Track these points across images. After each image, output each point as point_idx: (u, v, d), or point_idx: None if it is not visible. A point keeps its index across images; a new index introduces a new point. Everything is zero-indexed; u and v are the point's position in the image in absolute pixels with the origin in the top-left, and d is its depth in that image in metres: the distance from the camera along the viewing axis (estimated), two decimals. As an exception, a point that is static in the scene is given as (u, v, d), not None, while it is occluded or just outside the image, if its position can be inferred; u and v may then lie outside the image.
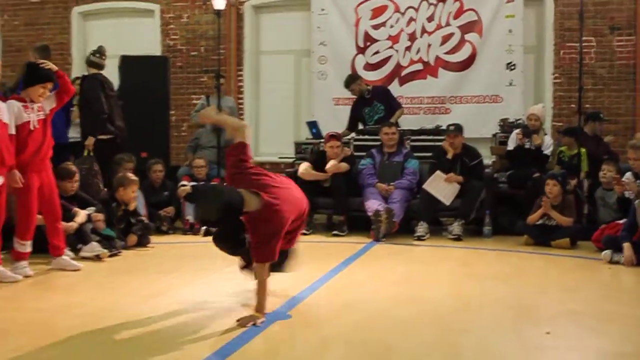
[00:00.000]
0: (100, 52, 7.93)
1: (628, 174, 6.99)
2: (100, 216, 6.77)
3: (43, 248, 5.84)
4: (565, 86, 10.01)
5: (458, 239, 7.50)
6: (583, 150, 8.22)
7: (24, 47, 10.80)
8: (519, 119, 9.17)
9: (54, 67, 5.72)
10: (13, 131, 5.38)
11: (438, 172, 7.83)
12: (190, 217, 8.06)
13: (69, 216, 6.39)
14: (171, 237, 7.81)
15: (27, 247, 5.56)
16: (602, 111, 9.30)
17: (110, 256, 6.36)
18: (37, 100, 5.55)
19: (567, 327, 4.09)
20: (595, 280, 5.68)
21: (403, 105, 9.56)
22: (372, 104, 9.12)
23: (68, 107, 9.03)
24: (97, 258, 6.20)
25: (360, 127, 9.25)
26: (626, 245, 6.11)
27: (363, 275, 5.66)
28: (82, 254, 6.31)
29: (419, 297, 4.83)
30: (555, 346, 3.67)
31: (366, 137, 8.85)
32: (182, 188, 8.13)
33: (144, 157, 8.43)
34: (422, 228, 7.60)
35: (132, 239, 6.94)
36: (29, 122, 5.47)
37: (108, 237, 6.66)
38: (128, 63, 9.34)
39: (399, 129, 8.47)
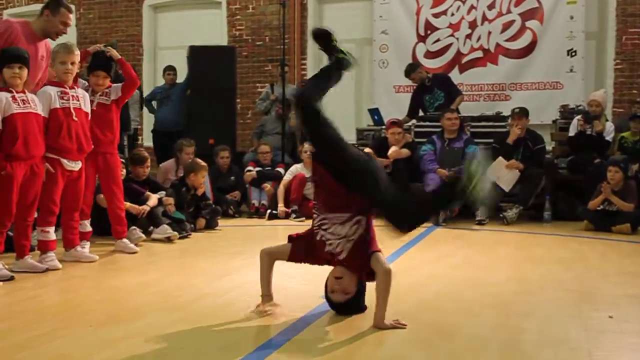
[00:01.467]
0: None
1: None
2: (171, 200, 7.05)
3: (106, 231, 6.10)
4: (627, 72, 9.95)
5: (481, 223, 7.63)
6: (644, 137, 8.23)
7: (98, 40, 11.22)
8: (579, 105, 9.18)
9: (115, 55, 5.87)
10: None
11: (500, 158, 7.92)
12: (255, 201, 8.32)
13: (141, 200, 6.68)
14: (237, 220, 8.08)
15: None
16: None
17: (180, 238, 6.62)
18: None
19: (629, 311, 4.11)
20: (657, 265, 5.74)
21: (463, 93, 9.65)
22: (432, 91, 9.23)
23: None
24: (168, 240, 6.45)
25: (421, 114, 9.37)
26: None
27: (424, 259, 5.79)
28: (154, 235, 6.59)
29: (480, 280, 4.93)
30: (618, 330, 3.70)
31: (427, 123, 8.98)
32: (248, 173, 8.41)
33: (212, 144, 8.71)
34: (482, 213, 7.71)
35: (201, 222, 7.23)
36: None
37: (178, 220, 6.92)
38: (196, 53, 9.64)
39: (459, 115, 8.57)
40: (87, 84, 5.87)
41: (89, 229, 5.88)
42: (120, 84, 5.95)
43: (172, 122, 9.78)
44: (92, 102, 5.69)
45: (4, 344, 3.42)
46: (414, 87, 9.60)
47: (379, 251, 3.83)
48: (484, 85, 10.49)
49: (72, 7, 5.76)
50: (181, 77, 10.11)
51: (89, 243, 5.84)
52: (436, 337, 3.57)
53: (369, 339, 3.55)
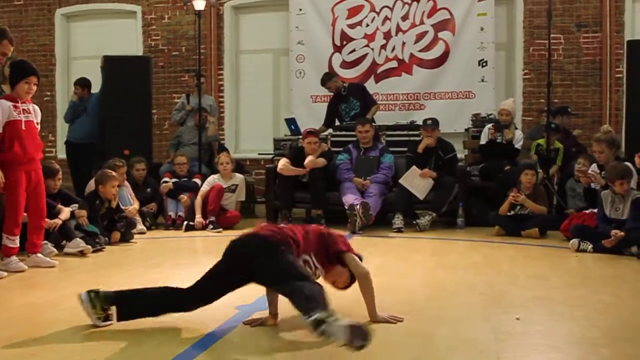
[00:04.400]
0: None
1: (593, 166, 7.27)
2: (84, 213, 6.86)
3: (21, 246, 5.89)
4: (534, 82, 10.31)
5: (399, 230, 7.77)
6: (561, 146, 8.53)
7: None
8: (490, 114, 9.45)
9: None
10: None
11: (413, 167, 8.07)
12: (172, 213, 8.24)
13: (53, 213, 6.51)
14: (154, 232, 7.97)
15: (15, 242, 5.66)
16: (570, 105, 9.60)
17: (94, 252, 6.46)
18: (24, 97, 5.64)
19: (537, 313, 4.23)
20: (563, 268, 5.92)
21: (378, 102, 9.81)
22: (348, 100, 9.35)
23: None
24: (81, 254, 6.29)
25: (337, 123, 9.47)
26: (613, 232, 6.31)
27: (340, 266, 5.84)
28: (66, 250, 6.41)
29: (395, 286, 5.00)
30: (525, 331, 3.80)
31: (343, 132, 9.07)
32: (164, 184, 8.32)
33: (127, 155, 8.57)
34: (399, 220, 7.84)
35: (116, 235, 7.10)
36: (19, 121, 5.58)
37: (92, 233, 6.75)
38: (111, 63, 9.48)
39: (374, 124, 8.70)
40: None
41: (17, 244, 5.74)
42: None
43: (86, 134, 9.57)
44: (20, 118, 5.62)
45: None
46: (330, 97, 9.68)
47: (349, 251, 4.01)
48: (399, 95, 10.68)
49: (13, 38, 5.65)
50: (95, 88, 9.90)
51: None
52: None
53: (281, 349, 3.56)
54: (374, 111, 9.31)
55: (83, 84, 9.70)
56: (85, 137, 9.54)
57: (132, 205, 7.79)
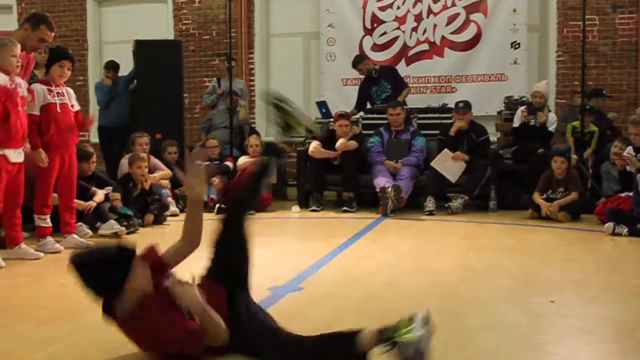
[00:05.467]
0: None
1: (629, 149, 7.17)
2: (117, 195, 6.98)
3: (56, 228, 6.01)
4: (568, 64, 10.15)
5: (431, 213, 7.73)
6: (596, 128, 8.42)
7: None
8: (523, 97, 9.35)
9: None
10: (37, 112, 5.59)
11: (445, 150, 8.03)
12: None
13: (87, 195, 6.61)
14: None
15: (47, 222, 5.78)
16: (604, 88, 9.45)
17: (128, 233, 6.55)
18: (57, 81, 5.76)
19: (570, 296, 4.21)
20: (597, 252, 5.89)
21: (410, 85, 9.75)
22: (379, 83, 9.30)
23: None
24: (115, 235, 6.38)
25: (369, 106, 9.43)
26: None
27: (372, 249, 5.86)
28: (101, 231, 6.52)
29: (427, 268, 5.01)
30: (558, 314, 3.79)
31: (374, 115, 9.04)
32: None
33: (159, 139, 8.64)
34: (430, 203, 7.81)
35: (149, 217, 7.18)
36: (53, 104, 5.67)
37: (126, 215, 6.85)
38: (142, 47, 9.53)
39: (405, 107, 8.65)
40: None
41: (50, 223, 5.84)
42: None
43: (118, 118, 9.67)
44: (54, 100, 5.73)
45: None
46: (361, 80, 9.65)
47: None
48: (430, 78, 10.60)
49: (53, 23, 5.74)
50: (126, 72, 9.98)
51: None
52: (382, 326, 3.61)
53: (315, 329, 3.57)
54: (405, 94, 9.27)
55: (113, 66, 9.78)
56: (117, 121, 9.64)
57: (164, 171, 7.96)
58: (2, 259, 5.18)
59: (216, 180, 8.34)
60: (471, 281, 4.64)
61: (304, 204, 8.43)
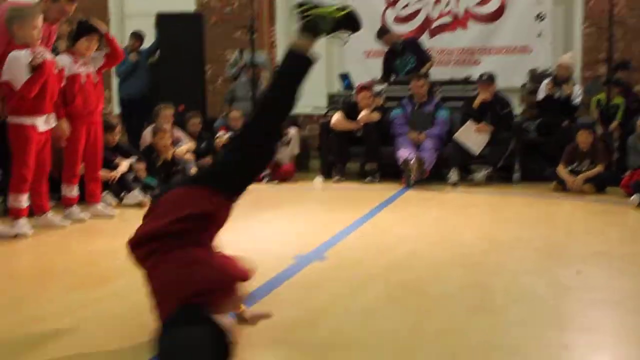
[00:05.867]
0: None
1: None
2: (142, 165, 7.05)
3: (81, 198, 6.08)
4: (594, 37, 9.99)
5: (454, 185, 7.70)
6: (622, 101, 8.32)
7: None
8: (548, 69, 9.25)
9: (103, 29, 5.93)
10: (62, 82, 5.62)
11: (469, 122, 7.97)
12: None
13: (111, 166, 6.68)
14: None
15: (74, 192, 5.86)
16: (631, 61, 9.32)
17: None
18: (85, 53, 5.78)
19: (596, 268, 4.20)
20: (623, 224, 5.85)
21: (433, 57, 9.67)
22: (403, 55, 9.24)
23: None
24: (139, 205, 6.43)
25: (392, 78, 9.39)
26: None
27: (395, 220, 5.86)
28: (125, 201, 6.61)
29: (450, 239, 5.01)
30: (584, 286, 3.79)
31: (397, 87, 8.99)
32: (219, 139, 8.40)
33: (182, 111, 8.65)
34: (454, 175, 7.78)
35: (173, 187, 7.21)
36: (79, 75, 5.70)
37: (149, 185, 6.93)
38: (164, 20, 9.52)
39: (428, 80, 8.59)
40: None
41: (77, 193, 5.91)
42: (100, 54, 5.99)
43: (140, 90, 9.68)
44: (80, 72, 5.76)
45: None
46: (385, 52, 9.58)
47: None
48: (453, 50, 10.51)
49: None
50: (147, 42, 9.97)
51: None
52: (406, 295, 3.64)
53: (340, 297, 3.61)
54: (428, 67, 9.19)
55: (139, 36, 9.78)
56: (139, 93, 9.65)
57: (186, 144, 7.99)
58: (30, 227, 5.24)
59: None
60: (495, 253, 4.63)
61: (326, 176, 8.44)
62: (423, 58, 9.25)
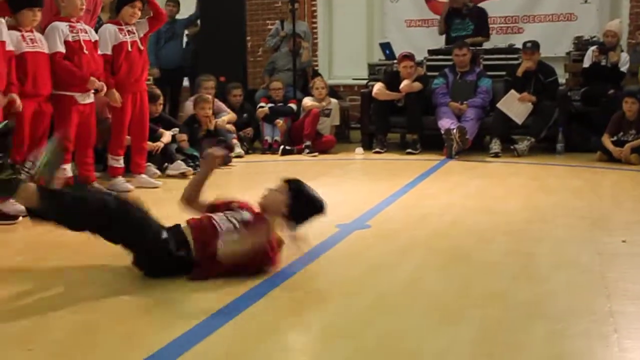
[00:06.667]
0: None
1: None
2: (184, 136, 7.12)
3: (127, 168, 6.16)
4: (642, 2, 9.77)
5: (496, 155, 7.61)
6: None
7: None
8: (594, 37, 9.07)
9: None
10: (109, 51, 5.67)
11: (512, 91, 7.87)
12: (268, 137, 8.35)
13: (155, 137, 6.74)
14: (251, 156, 8.11)
15: (120, 162, 5.94)
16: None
17: (195, 174, 6.67)
18: (129, 21, 5.80)
19: (641, 236, 4.15)
20: (670, 193, 5.76)
21: (490, 37, 9.43)
22: (464, 19, 9.08)
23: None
24: (183, 175, 6.49)
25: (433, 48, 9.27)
26: None
27: (437, 189, 5.84)
28: (169, 172, 6.65)
29: (493, 208, 4.98)
30: (630, 253, 3.76)
31: (439, 57, 8.90)
32: (261, 109, 8.43)
33: (223, 82, 8.69)
34: (496, 145, 7.70)
35: (215, 159, 7.26)
36: (125, 42, 5.73)
37: (192, 156, 6.97)
38: (205, -9, 9.52)
39: (471, 48, 8.47)
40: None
41: (122, 164, 6.00)
42: (144, 20, 6.02)
43: (176, 59, 9.69)
44: (126, 39, 5.78)
45: (29, 274, 3.52)
46: (447, 6, 9.34)
47: None
48: (496, 18, 10.32)
49: None
50: (185, 12, 9.94)
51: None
52: (450, 263, 3.64)
53: (385, 265, 3.62)
54: (479, 40, 9.00)
55: (177, 2, 9.78)
56: (173, 63, 9.65)
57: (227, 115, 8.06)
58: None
59: (280, 122, 8.37)
60: (539, 221, 4.60)
61: (367, 146, 8.42)
62: (481, 31, 9.09)
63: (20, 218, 4.75)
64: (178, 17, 9.78)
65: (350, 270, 3.50)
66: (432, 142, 8.04)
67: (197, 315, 2.82)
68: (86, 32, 5.41)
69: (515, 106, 7.85)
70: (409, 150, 8.05)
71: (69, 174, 5.39)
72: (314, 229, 4.22)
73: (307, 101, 8.45)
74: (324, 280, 3.31)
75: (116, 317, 2.88)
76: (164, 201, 5.42)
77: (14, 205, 4.87)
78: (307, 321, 2.85)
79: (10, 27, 4.85)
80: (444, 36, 9.30)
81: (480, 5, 9.65)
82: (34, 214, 3.39)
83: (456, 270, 3.50)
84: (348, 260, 3.69)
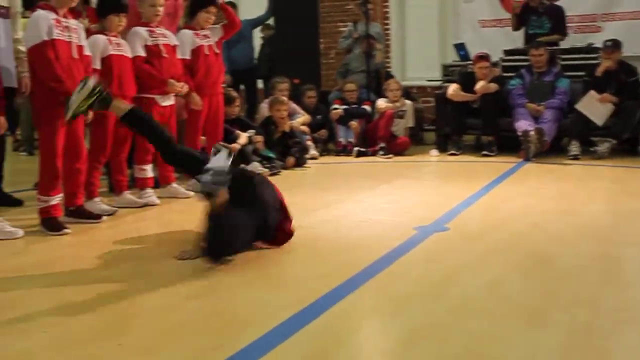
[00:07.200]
0: None
1: None
2: (260, 138, 7.20)
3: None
4: None
5: (575, 158, 7.41)
6: None
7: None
8: (678, 35, 8.78)
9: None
10: (188, 56, 5.78)
11: (591, 92, 7.68)
12: (342, 139, 8.36)
13: (231, 138, 6.82)
14: (325, 158, 8.13)
15: None
16: None
17: (271, 175, 6.67)
18: (204, 25, 5.91)
19: None
20: None
21: (567, 36, 9.25)
22: (540, 17, 8.92)
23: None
24: (259, 177, 6.59)
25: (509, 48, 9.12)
26: None
27: (516, 192, 5.72)
28: (245, 173, 6.75)
29: (575, 211, 4.85)
30: None
31: (515, 57, 8.75)
32: (335, 111, 8.45)
33: (297, 83, 8.74)
34: (575, 147, 7.52)
35: (290, 160, 7.32)
36: (202, 46, 5.83)
37: (268, 157, 7.06)
38: (279, -7, 9.62)
39: (548, 48, 8.30)
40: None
41: None
42: (219, 26, 6.13)
43: (246, 60, 9.78)
44: (202, 43, 5.89)
45: (112, 272, 3.61)
46: (524, 2, 9.21)
47: None
48: (574, 17, 10.08)
49: None
50: (246, 14, 10.02)
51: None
52: (533, 267, 3.57)
53: (466, 267, 3.57)
54: (554, 39, 8.81)
55: (232, 4, 9.85)
56: (245, 64, 9.74)
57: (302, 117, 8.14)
58: (157, 197, 5.47)
59: (354, 123, 8.37)
60: (625, 226, 4.48)
61: (442, 148, 8.34)
62: (558, 29, 8.90)
63: (104, 217, 4.90)
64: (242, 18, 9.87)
65: (431, 273, 3.47)
66: (509, 144, 7.91)
67: (279, 315, 2.84)
68: (165, 37, 5.52)
69: (595, 107, 7.65)
70: (484, 152, 7.93)
71: (150, 174, 5.52)
72: (391, 231, 4.24)
73: (381, 103, 8.42)
74: (406, 282, 3.28)
75: (201, 316, 2.93)
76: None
77: (99, 205, 5.04)
78: (389, 323, 2.83)
79: (97, 32, 5.00)
80: (521, 36, 9.13)
81: (561, 7, 9.42)
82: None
83: (540, 274, 3.43)
84: (428, 263, 3.66)
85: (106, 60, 4.99)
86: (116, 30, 5.08)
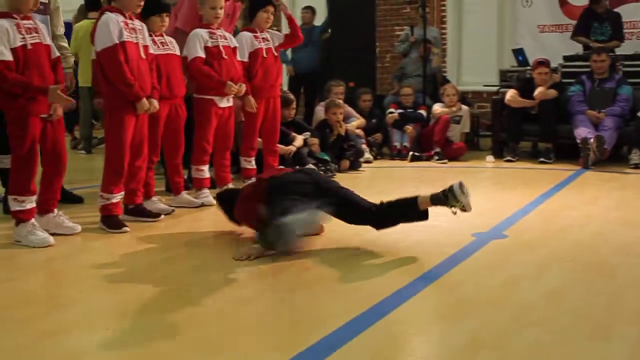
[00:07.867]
0: None
1: None
2: (316, 140, 7.22)
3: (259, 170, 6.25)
4: None
5: (636, 167, 7.24)
6: None
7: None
8: None
9: (287, 12, 6.07)
10: (246, 58, 5.80)
11: (654, 99, 7.51)
12: (397, 143, 8.32)
13: (287, 140, 6.87)
14: (379, 161, 8.10)
15: (252, 163, 6.05)
16: None
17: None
18: (264, 26, 5.90)
19: None
20: None
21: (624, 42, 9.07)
22: (603, 22, 8.77)
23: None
24: (314, 180, 6.60)
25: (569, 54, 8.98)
26: None
27: (575, 201, 5.62)
28: (301, 176, 6.76)
29: (638, 222, 4.77)
30: None
31: (575, 63, 8.61)
32: (390, 115, 8.42)
33: (353, 87, 8.74)
34: (636, 156, 7.35)
35: (345, 163, 7.32)
36: (260, 49, 5.84)
37: (323, 160, 7.07)
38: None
39: (611, 54, 8.14)
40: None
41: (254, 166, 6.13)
42: (282, 34, 6.21)
43: (310, 64, 9.85)
44: (261, 46, 5.88)
45: (169, 271, 3.65)
46: (586, 8, 9.09)
47: None
48: (637, 23, 9.90)
49: None
50: (319, 20, 10.13)
51: None
52: (596, 277, 3.50)
53: (526, 276, 3.52)
54: (613, 45, 8.65)
55: (312, 9, 9.92)
56: (309, 68, 9.82)
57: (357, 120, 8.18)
58: (213, 197, 5.51)
59: (409, 128, 8.33)
60: (694, 236, 4.35)
61: (498, 154, 8.24)
62: (618, 35, 8.75)
63: (162, 216, 4.96)
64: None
65: (491, 280, 3.42)
66: (566, 152, 7.78)
67: (338, 318, 2.84)
68: (225, 39, 5.56)
69: (659, 116, 7.48)
70: (542, 159, 7.81)
71: (207, 175, 5.57)
72: (449, 237, 4.19)
73: (437, 107, 8.37)
74: (465, 289, 3.25)
75: (259, 317, 2.95)
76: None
77: (157, 204, 5.11)
78: (449, 330, 2.80)
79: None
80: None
81: (619, 12, 9.25)
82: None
83: (603, 284, 3.35)
84: (487, 270, 3.62)
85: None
86: (159, 30, 5.13)
